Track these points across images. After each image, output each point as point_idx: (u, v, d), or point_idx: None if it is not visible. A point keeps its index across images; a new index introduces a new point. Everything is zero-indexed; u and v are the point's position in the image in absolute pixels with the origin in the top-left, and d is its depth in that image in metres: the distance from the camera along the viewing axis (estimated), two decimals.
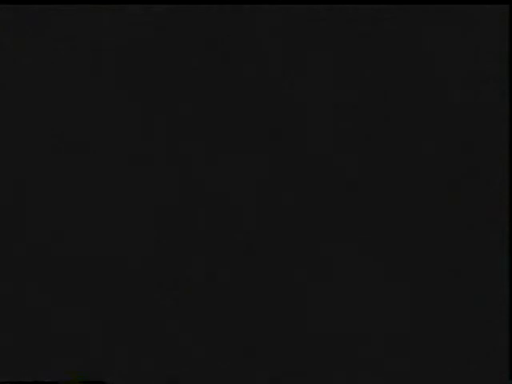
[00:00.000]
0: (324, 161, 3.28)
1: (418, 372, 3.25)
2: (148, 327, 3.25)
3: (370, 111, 3.29)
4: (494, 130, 3.29)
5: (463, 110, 3.29)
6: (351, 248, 3.26)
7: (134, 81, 3.29)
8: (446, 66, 3.30)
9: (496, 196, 3.28)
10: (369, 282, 3.25)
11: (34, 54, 3.29)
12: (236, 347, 3.25)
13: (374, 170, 3.28)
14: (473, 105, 3.30)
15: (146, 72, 3.29)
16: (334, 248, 3.26)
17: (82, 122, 3.29)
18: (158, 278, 3.26)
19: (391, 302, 3.25)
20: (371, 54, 3.30)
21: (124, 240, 3.26)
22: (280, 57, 3.30)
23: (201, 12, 3.30)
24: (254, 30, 3.29)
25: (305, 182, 3.28)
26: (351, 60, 3.30)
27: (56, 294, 3.25)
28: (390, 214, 3.27)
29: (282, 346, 3.24)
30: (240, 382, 3.24)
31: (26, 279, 3.25)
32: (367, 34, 3.29)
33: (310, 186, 3.28)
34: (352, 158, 3.28)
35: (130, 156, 3.28)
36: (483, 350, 3.24)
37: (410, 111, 3.29)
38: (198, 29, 3.29)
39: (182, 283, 3.26)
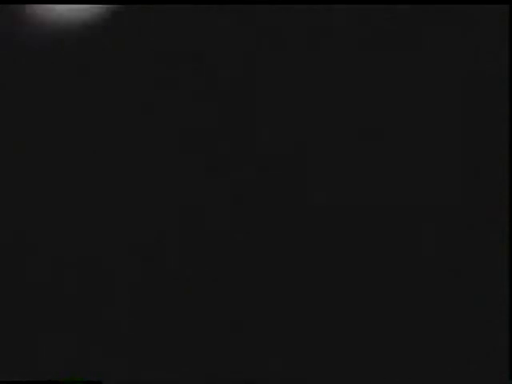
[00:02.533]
0: (324, 161, 3.28)
1: (418, 372, 3.25)
2: (148, 327, 3.25)
3: (369, 111, 3.30)
4: (494, 130, 3.29)
5: (463, 110, 3.29)
6: (351, 247, 3.26)
7: (134, 81, 3.29)
8: (446, 66, 3.30)
9: (496, 196, 3.28)
10: (368, 281, 3.26)
11: (34, 54, 3.30)
12: (236, 347, 3.25)
13: (374, 171, 3.29)
14: (473, 105, 3.30)
15: (146, 72, 3.30)
16: (333, 248, 3.26)
17: (82, 122, 3.29)
18: (158, 277, 3.26)
19: (391, 302, 3.25)
20: (371, 54, 3.30)
21: (123, 240, 3.27)
22: (280, 57, 3.30)
23: (201, 12, 3.31)
24: (253, 30, 3.30)
25: (305, 181, 3.28)
26: (351, 60, 3.30)
27: (55, 294, 3.25)
28: (389, 214, 3.28)
29: (282, 345, 3.25)
30: (240, 381, 3.25)
31: (26, 279, 3.26)
32: (367, 34, 3.30)
33: (310, 186, 3.28)
34: (352, 157, 3.29)
35: (129, 156, 3.29)
36: (483, 350, 3.25)
37: (410, 111, 3.30)
38: (198, 29, 3.30)
39: (182, 283, 3.26)
